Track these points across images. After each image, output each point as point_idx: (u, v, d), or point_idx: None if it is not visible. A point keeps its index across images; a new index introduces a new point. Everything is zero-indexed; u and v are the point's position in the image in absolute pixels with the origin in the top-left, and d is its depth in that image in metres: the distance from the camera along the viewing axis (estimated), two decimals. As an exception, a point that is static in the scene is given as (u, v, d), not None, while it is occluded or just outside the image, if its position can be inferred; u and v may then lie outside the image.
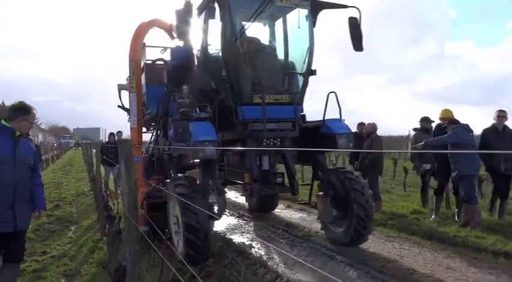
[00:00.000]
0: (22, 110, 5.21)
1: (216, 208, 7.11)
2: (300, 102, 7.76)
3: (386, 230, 8.96)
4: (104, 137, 70.38)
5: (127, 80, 11.14)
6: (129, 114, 10.73)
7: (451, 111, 10.04)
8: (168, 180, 8.08)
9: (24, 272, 6.58)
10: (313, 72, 7.75)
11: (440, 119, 10.04)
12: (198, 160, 6.92)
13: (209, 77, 8.05)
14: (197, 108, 7.66)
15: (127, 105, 11.02)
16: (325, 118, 7.98)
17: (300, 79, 7.90)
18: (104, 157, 14.52)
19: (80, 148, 63.27)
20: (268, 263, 6.96)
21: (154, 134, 9.48)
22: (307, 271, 6.33)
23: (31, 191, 5.30)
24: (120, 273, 4.86)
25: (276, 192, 8.36)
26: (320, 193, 8.01)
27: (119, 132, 16.17)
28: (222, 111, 7.65)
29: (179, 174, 8.09)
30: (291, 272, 6.54)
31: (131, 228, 3.51)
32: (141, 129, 9.28)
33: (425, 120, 10.66)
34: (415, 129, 10.87)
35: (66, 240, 9.03)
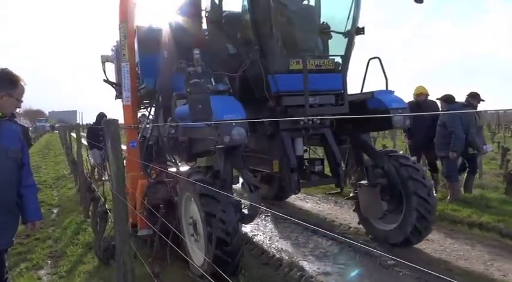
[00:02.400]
0: (7, 82, 3.50)
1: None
2: (345, 70, 5.69)
3: None
4: (81, 120, 66.89)
5: (112, 50, 8.93)
6: (117, 89, 8.49)
7: (425, 88, 9.23)
8: (173, 169, 6.08)
9: (10, 255, 5.49)
10: (361, 31, 5.69)
11: (416, 95, 9.17)
12: (221, 145, 4.81)
13: (224, 39, 5.89)
14: (212, 79, 5.53)
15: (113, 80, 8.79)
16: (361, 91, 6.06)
17: (344, 40, 5.81)
18: (89, 140, 12.34)
19: (55, 131, 60.19)
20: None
21: (150, 112, 7.28)
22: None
23: (19, 195, 3.67)
24: (109, 253, 4.98)
25: (318, 184, 6.31)
26: (363, 182, 6.05)
27: (102, 114, 13.68)
28: (244, 82, 5.53)
29: (192, 164, 6.03)
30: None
31: (120, 207, 3.37)
32: (136, 108, 7.07)
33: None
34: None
35: (49, 223, 8.42)
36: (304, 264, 5.64)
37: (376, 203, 5.89)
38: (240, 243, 4.79)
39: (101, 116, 13.09)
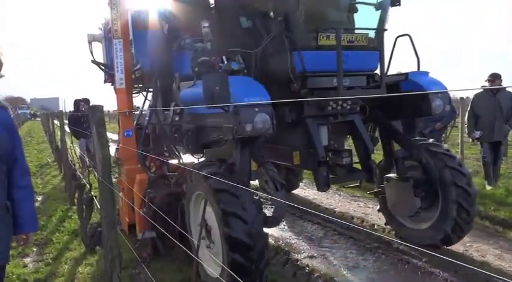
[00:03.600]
0: None
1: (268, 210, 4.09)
2: (381, 47, 4.74)
3: (352, 190, 8.17)
4: (64, 107, 64.70)
5: (100, 28, 7.80)
6: (106, 72, 7.41)
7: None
8: (175, 161, 5.13)
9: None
10: (397, 2, 4.73)
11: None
12: (241, 135, 3.86)
13: (237, 10, 4.88)
14: (224, 57, 4.55)
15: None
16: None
17: (374, 14, 4.83)
18: (75, 128, 11.22)
19: (37, 119, 57.97)
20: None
21: (146, 97, 6.24)
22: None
23: (10, 198, 2.82)
24: (95, 239, 4.79)
25: (347, 179, 5.37)
26: (392, 175, 5.18)
27: (78, 101, 12.35)
28: (261, 61, 4.56)
29: (198, 156, 5.08)
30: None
31: (106, 193, 3.24)
32: (131, 91, 6.01)
33: None
34: None
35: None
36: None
37: (408, 200, 5.03)
38: (265, 247, 3.88)
39: (78, 103, 11.91)
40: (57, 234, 6.47)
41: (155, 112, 5.56)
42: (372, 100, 4.84)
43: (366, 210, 7.26)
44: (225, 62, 4.55)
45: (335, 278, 4.65)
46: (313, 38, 4.35)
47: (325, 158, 4.45)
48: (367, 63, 4.66)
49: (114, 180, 4.41)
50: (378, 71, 4.77)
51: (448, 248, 5.12)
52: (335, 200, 7.81)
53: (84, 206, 5.37)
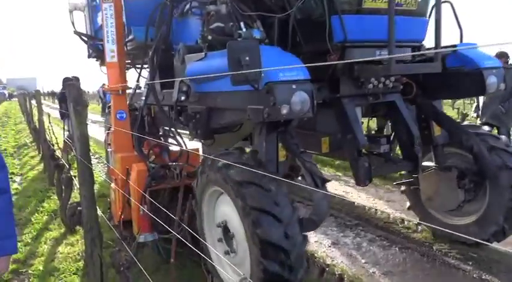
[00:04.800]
0: None
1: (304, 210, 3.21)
2: (427, 13, 3.85)
3: (333, 169, 8.31)
4: (42, 88, 62.00)
5: (82, -5, 6.67)
6: (91, 44, 6.33)
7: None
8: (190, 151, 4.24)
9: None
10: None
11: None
12: (276, 119, 2.95)
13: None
14: (242, 23, 3.60)
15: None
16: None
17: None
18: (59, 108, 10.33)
19: (14, 99, 55.42)
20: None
21: (140, 73, 5.22)
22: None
23: None
24: (75, 219, 4.61)
25: (390, 170, 4.48)
26: (428, 164, 4.37)
27: (68, 79, 11.30)
28: (286, 28, 3.62)
29: (209, 142, 4.17)
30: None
31: (85, 172, 3.19)
32: (124, 66, 4.96)
33: None
34: None
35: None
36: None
37: (450, 192, 4.22)
38: (304, 253, 3.02)
39: (67, 81, 10.78)
40: (36, 214, 6.17)
41: (153, 91, 4.56)
42: (410, 76, 3.96)
43: (346, 188, 6.79)
44: (244, 29, 3.59)
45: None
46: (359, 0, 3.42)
47: (366, 146, 3.57)
48: (415, 32, 3.77)
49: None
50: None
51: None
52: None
53: (63, 186, 5.19)
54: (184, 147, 4.54)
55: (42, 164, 9.47)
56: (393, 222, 5.38)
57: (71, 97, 3.16)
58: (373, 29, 3.43)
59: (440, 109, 4.26)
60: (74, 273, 4.28)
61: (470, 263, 4.20)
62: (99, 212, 3.52)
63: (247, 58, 2.75)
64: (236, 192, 3.03)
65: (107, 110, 6.56)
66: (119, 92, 4.64)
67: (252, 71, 2.74)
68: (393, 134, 4.29)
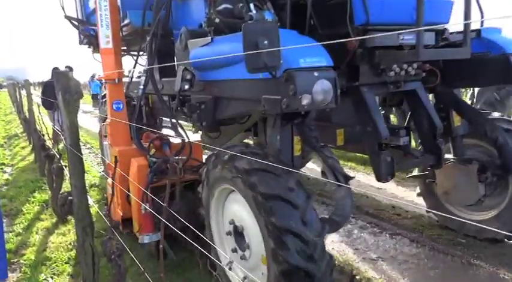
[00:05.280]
0: None
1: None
2: None
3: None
4: (32, 78, 60.74)
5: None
6: (84, 29, 5.91)
7: None
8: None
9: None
10: None
11: None
12: (296, 109, 2.61)
13: None
14: (251, 5, 3.23)
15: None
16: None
17: None
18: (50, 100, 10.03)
19: (3, 90, 54.31)
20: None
21: (137, 61, 4.82)
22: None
23: None
24: (66, 208, 4.63)
25: (412, 165, 4.12)
26: (448, 156, 4.07)
27: (69, 68, 11.06)
28: (299, 10, 3.26)
29: (215, 135, 3.84)
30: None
31: (75, 161, 3.14)
32: (120, 52, 4.55)
33: None
34: None
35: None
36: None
37: (470, 186, 3.95)
38: (324, 242, 2.68)
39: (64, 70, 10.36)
40: (27, 205, 6.09)
41: (151, 80, 4.18)
42: (432, 63, 3.63)
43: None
44: (254, 11, 3.22)
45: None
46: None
47: (388, 138, 3.25)
48: (441, 14, 3.42)
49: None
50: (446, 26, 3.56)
51: (414, 211, 4.90)
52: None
53: (54, 176, 5.09)
54: (186, 139, 4.20)
55: (33, 155, 9.30)
56: (384, 209, 5.44)
57: (59, 86, 3.03)
58: (396, 10, 3.09)
59: (460, 98, 3.95)
60: (65, 263, 4.21)
61: (459, 248, 4.24)
62: (90, 201, 3.47)
63: (265, 42, 2.39)
64: (245, 182, 2.71)
65: (101, 100, 6.15)
66: (115, 80, 4.25)
67: (274, 49, 2.38)
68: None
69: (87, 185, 6.84)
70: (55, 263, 4.23)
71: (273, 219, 2.53)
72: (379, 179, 3.29)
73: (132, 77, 4.95)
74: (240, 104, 3.31)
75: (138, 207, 3.79)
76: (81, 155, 3.22)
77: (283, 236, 2.51)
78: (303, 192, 2.66)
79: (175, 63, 3.97)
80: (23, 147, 11.28)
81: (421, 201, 4.92)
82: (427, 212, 4.75)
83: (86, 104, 22.96)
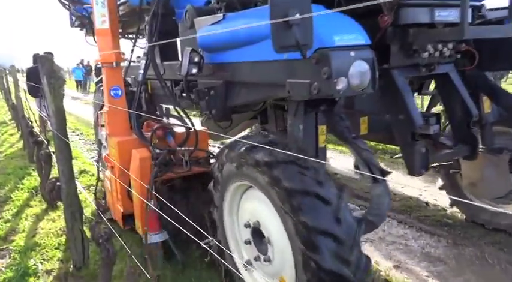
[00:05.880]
0: None
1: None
2: None
3: None
4: (18, 63, 59.12)
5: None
6: (75, 9, 5.41)
7: None
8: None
9: None
10: None
11: None
12: (329, 96, 2.23)
13: None
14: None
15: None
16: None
17: None
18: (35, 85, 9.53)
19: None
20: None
21: (135, 43, 4.38)
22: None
23: None
24: (55, 194, 4.54)
25: (443, 158, 3.70)
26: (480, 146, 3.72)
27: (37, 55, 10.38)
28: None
29: (226, 125, 3.47)
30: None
31: (62, 147, 3.17)
32: (118, 33, 4.10)
33: None
34: None
35: None
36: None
37: (500, 177, 3.62)
38: (364, 258, 2.34)
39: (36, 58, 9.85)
40: (16, 191, 5.97)
41: (152, 63, 3.77)
42: (462, 43, 3.26)
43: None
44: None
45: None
46: None
47: (422, 128, 2.89)
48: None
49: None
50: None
51: (403, 192, 4.89)
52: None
53: (42, 163, 5.06)
54: (192, 128, 3.81)
55: (21, 142, 9.11)
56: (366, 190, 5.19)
57: (44, 70, 2.97)
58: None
59: (494, 82, 3.60)
60: (55, 248, 4.14)
61: (446, 229, 4.31)
62: (80, 187, 3.39)
63: (297, 14, 2.01)
64: (268, 177, 2.36)
65: (96, 86, 5.69)
66: (113, 64, 3.83)
67: (307, 23, 2.00)
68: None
69: (76, 171, 6.72)
70: (45, 248, 4.15)
71: (301, 217, 2.19)
72: (412, 172, 2.94)
73: (130, 61, 4.52)
74: (256, 89, 2.93)
75: (141, 204, 3.42)
76: (68, 140, 3.16)
77: (314, 236, 2.17)
78: (333, 185, 2.31)
79: (180, 38, 3.56)
80: (11, 134, 11.04)
81: (409, 182, 4.98)
82: (451, 206, 4.43)
83: (73, 90, 22.55)
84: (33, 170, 6.78)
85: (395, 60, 2.93)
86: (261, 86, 2.87)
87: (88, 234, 3.19)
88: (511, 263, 3.62)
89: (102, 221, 2.95)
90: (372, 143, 6.39)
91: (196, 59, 3.13)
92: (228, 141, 3.78)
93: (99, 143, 4.48)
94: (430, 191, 5.26)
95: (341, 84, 2.20)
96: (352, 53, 2.25)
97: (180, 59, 4.12)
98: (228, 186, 2.87)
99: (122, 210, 3.83)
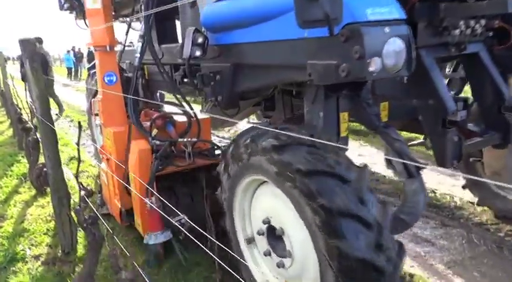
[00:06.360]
0: None
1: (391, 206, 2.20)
2: None
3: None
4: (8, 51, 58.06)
5: None
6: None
7: None
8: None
9: None
10: None
11: None
12: (361, 78, 1.91)
13: None
14: None
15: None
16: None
17: None
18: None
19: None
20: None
21: (130, 25, 4.02)
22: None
23: None
24: (42, 180, 4.62)
25: (476, 147, 3.36)
26: None
27: (39, 40, 10.22)
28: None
29: (232, 112, 3.16)
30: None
31: (47, 131, 3.12)
32: (111, 14, 3.72)
33: None
34: None
35: None
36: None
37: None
38: (396, 244, 2.05)
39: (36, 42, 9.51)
40: (5, 178, 5.86)
41: (149, 46, 3.41)
42: (496, 19, 2.93)
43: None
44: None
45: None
46: None
47: (456, 114, 2.58)
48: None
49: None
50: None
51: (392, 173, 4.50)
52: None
53: (31, 149, 5.04)
54: (193, 117, 3.49)
55: (11, 129, 8.94)
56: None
57: (26, 54, 2.94)
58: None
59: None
60: (44, 234, 4.09)
61: (434, 210, 4.29)
62: (70, 173, 3.27)
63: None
64: (300, 187, 2.01)
65: (89, 72, 5.30)
66: (106, 47, 3.47)
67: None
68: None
69: (66, 157, 6.43)
70: (33, 234, 4.10)
71: (340, 244, 1.88)
72: (443, 164, 2.63)
73: (124, 45, 4.15)
74: (269, 72, 2.60)
75: (140, 200, 3.10)
76: (53, 125, 3.07)
77: (337, 220, 1.87)
78: (377, 204, 2.00)
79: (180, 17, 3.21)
80: (1, 122, 10.83)
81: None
82: (478, 204, 4.12)
83: (62, 76, 22.16)
84: (22, 157, 6.67)
85: (423, 38, 2.60)
86: (275, 69, 2.54)
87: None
88: (495, 242, 3.62)
89: (88, 205, 2.88)
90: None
91: (200, 40, 2.79)
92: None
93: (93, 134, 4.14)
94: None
95: (375, 65, 1.89)
96: (387, 29, 1.93)
97: (179, 41, 3.78)
98: (244, 175, 2.54)
99: (119, 206, 3.52)
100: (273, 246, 2.45)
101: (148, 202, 2.87)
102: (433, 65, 2.63)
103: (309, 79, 2.17)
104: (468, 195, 4.26)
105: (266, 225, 2.44)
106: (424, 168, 2.32)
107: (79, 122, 2.90)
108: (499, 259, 3.39)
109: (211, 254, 2.39)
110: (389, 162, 2.33)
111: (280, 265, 2.34)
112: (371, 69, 1.89)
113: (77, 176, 2.95)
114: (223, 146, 3.54)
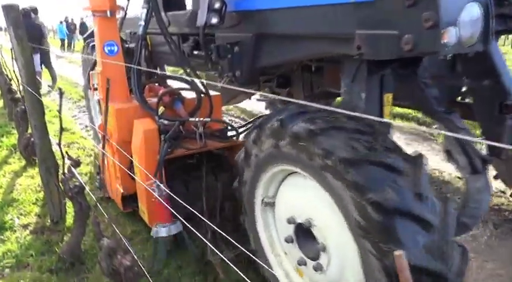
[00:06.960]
0: None
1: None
2: None
3: None
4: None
5: None
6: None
7: None
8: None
9: None
10: None
11: None
12: (426, 52, 1.53)
13: None
14: None
15: None
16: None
17: None
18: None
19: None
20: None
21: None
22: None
23: None
24: (30, 150, 4.56)
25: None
26: None
27: (33, 9, 9.69)
28: None
29: (253, 89, 2.78)
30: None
31: (33, 101, 3.04)
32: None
33: None
34: None
35: None
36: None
37: None
38: (459, 249, 1.69)
39: (25, 13, 8.97)
40: None
41: (155, 12, 2.98)
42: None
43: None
44: None
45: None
46: None
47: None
48: None
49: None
50: None
51: None
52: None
53: (19, 119, 4.98)
54: (204, 93, 3.10)
55: (1, 100, 8.55)
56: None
57: (9, 20, 2.82)
58: None
59: None
60: (33, 203, 4.03)
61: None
62: (55, 142, 3.11)
63: None
64: (345, 178, 1.66)
65: (85, 42, 4.83)
66: (107, 13, 3.02)
67: None
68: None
69: (56, 129, 6.07)
70: (22, 204, 4.03)
71: (371, 196, 1.54)
72: (497, 154, 2.28)
73: (126, 12, 3.70)
74: (301, 44, 2.20)
75: (145, 191, 2.73)
76: (39, 94, 3.00)
77: (393, 219, 1.53)
78: (436, 200, 1.63)
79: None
80: None
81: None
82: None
83: (56, 48, 21.55)
84: (13, 128, 6.46)
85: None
86: (308, 41, 2.14)
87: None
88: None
89: (74, 175, 2.74)
90: (399, 109, 5.80)
91: (216, 6, 2.37)
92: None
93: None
94: (410, 149, 4.74)
95: (450, 37, 1.50)
96: (463, -6, 1.54)
97: (187, 8, 3.35)
98: (269, 166, 2.17)
99: (121, 191, 3.15)
100: (305, 252, 2.10)
101: (156, 193, 2.50)
102: (494, 44, 2.25)
103: (357, 53, 1.78)
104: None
105: (292, 225, 2.09)
106: (490, 162, 1.96)
107: (59, 88, 2.61)
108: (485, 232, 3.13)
109: (226, 260, 2.04)
110: (450, 155, 1.97)
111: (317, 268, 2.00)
112: (445, 41, 1.51)
113: (59, 144, 2.68)
114: (238, 127, 3.17)
